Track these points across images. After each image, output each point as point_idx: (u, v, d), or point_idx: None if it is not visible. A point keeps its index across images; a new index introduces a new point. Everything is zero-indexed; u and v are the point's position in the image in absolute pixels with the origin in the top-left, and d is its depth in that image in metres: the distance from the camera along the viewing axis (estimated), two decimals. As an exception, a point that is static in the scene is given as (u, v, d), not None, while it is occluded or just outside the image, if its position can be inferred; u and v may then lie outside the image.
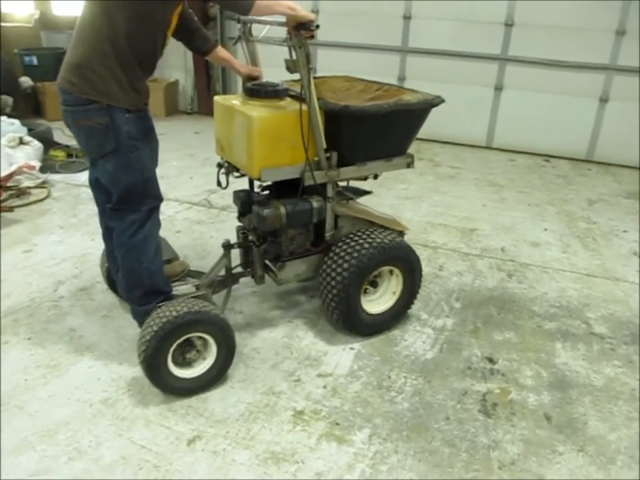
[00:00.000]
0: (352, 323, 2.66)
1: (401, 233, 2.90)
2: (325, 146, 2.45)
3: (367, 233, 2.63)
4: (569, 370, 2.63)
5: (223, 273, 2.74)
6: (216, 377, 2.33)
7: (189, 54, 6.92)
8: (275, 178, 2.48)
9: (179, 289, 2.57)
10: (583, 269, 3.62)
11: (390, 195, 4.65)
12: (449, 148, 6.20)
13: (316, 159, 2.47)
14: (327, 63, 6.36)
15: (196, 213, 4.14)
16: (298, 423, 2.20)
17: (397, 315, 2.82)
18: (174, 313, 2.15)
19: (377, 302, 2.76)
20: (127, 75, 2.13)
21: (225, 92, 7.05)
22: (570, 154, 6.07)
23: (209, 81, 7.12)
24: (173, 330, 2.15)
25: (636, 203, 5.00)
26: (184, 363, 2.28)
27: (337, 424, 2.21)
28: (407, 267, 2.72)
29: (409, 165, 2.78)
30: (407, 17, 6.16)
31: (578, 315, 3.09)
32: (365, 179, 2.80)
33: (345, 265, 2.52)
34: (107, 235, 2.52)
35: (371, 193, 3.19)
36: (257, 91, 2.46)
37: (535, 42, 5.83)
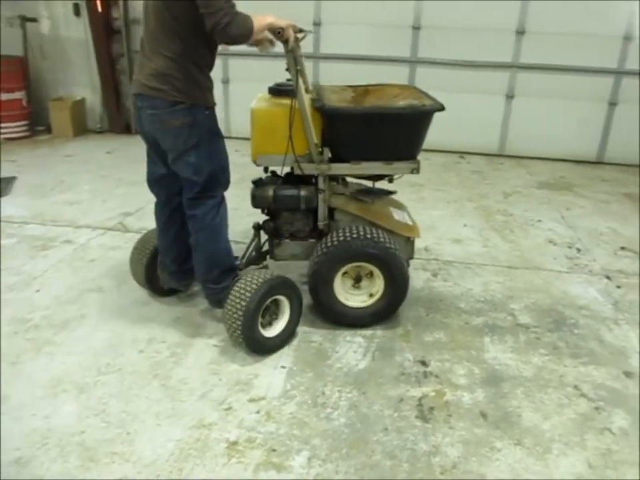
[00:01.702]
0: (324, 309, 2.85)
1: (409, 239, 2.99)
2: (315, 141, 2.69)
3: (354, 229, 2.74)
4: (499, 364, 2.66)
5: (254, 253, 3.05)
6: (292, 331, 2.74)
7: (94, 70, 6.63)
8: (269, 164, 2.85)
9: None
10: (505, 261, 3.71)
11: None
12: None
13: (307, 152, 2.73)
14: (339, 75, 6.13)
15: (111, 239, 3.92)
16: (233, 455, 2.08)
17: (379, 315, 2.87)
18: (260, 280, 2.51)
19: (358, 297, 2.87)
20: (201, 76, 2.43)
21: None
22: (483, 149, 6.27)
23: (118, 98, 6.83)
24: (265, 294, 2.51)
25: (548, 192, 5.22)
26: (267, 325, 2.63)
27: (274, 450, 2.11)
28: (386, 271, 2.75)
29: (413, 171, 2.84)
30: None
31: (503, 307, 3.15)
32: (372, 179, 3.00)
33: (321, 253, 2.72)
34: (166, 227, 2.79)
35: (394, 192, 3.23)
36: (272, 89, 2.83)
37: (442, 43, 6.00)
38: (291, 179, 2.90)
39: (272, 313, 2.66)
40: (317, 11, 6.13)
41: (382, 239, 2.72)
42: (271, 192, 2.83)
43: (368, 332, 2.86)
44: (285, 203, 2.85)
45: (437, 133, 6.13)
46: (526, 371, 2.62)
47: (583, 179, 5.70)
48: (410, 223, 3.08)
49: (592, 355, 2.76)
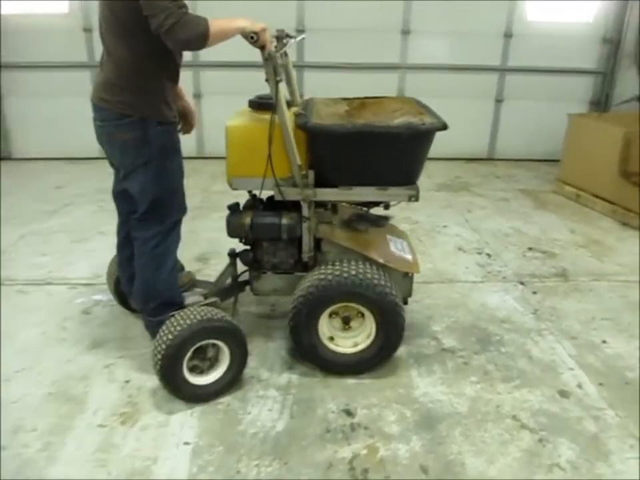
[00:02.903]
0: (306, 354, 2.53)
1: (407, 274, 2.63)
2: (299, 162, 2.36)
3: (343, 264, 2.40)
4: (431, 401, 2.39)
5: (229, 281, 2.77)
6: (230, 382, 2.38)
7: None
8: (246, 188, 2.54)
9: (189, 298, 2.61)
10: (419, 276, 3.47)
11: (213, 218, 4.20)
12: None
13: (289, 175, 2.41)
14: (326, 85, 5.61)
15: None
16: None
17: (369, 362, 2.53)
18: (187, 322, 2.21)
19: (346, 341, 2.52)
20: (156, 86, 2.21)
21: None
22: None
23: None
24: (188, 338, 2.21)
25: (447, 194, 5.12)
26: (198, 371, 2.32)
27: None
28: (378, 313, 2.41)
29: (412, 198, 2.47)
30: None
31: (425, 330, 2.90)
32: (367, 205, 2.74)
33: (304, 292, 2.39)
34: (123, 245, 2.60)
35: (391, 218, 2.94)
36: (252, 102, 2.53)
37: (327, 46, 5.76)
38: (273, 204, 2.55)
39: (209, 359, 2.34)
40: (299, 16, 5.68)
41: (374, 276, 2.37)
42: (247, 219, 2.50)
43: (282, 381, 2.48)
44: (263, 233, 2.53)
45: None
46: (460, 405, 2.37)
47: (478, 177, 5.69)
48: (409, 256, 2.73)
49: (523, 376, 2.57)
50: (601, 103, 6.01)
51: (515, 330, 2.93)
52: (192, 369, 2.30)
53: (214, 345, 2.32)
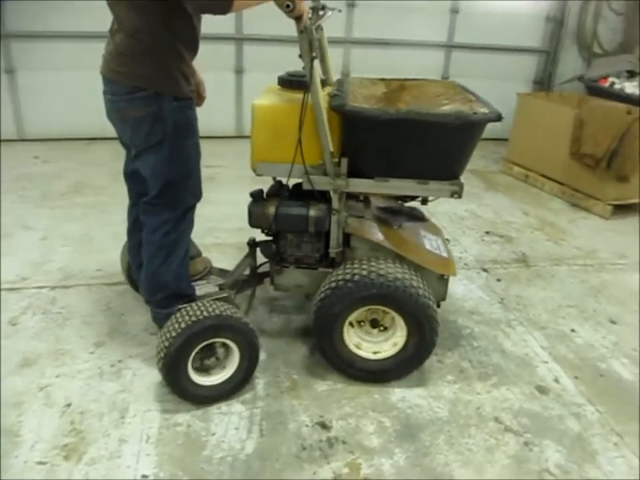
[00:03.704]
0: (330, 357, 2.32)
1: (442, 277, 2.40)
2: (331, 149, 2.15)
3: (372, 263, 2.19)
4: (409, 407, 2.23)
5: (247, 272, 2.62)
6: (238, 385, 2.21)
7: None
8: (272, 174, 2.34)
9: (202, 288, 2.45)
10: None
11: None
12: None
13: (320, 162, 2.19)
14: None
15: None
16: None
17: (399, 370, 2.33)
18: (193, 318, 2.04)
19: (373, 346, 2.32)
20: (172, 58, 2.00)
21: None
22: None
23: None
24: (193, 336, 2.03)
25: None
26: (205, 370, 2.16)
27: None
28: (409, 318, 2.21)
29: (454, 194, 2.25)
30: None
31: (393, 327, 2.73)
32: (402, 198, 2.54)
33: (328, 290, 2.19)
34: (133, 229, 2.42)
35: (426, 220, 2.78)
36: (282, 80, 2.31)
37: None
38: (300, 193, 2.33)
39: (219, 357, 2.18)
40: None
41: (407, 278, 2.16)
42: (272, 209, 2.31)
43: (247, 395, 2.24)
44: (288, 224, 2.34)
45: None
46: (440, 409, 2.22)
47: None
48: (445, 255, 2.52)
49: (500, 373, 2.46)
50: (544, 82, 6.02)
51: (484, 322, 2.82)
52: (199, 369, 2.14)
53: (223, 343, 2.14)
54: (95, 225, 3.65)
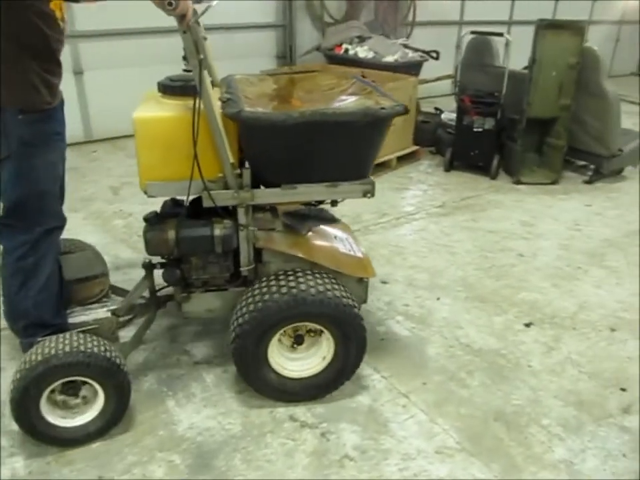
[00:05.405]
0: (255, 384, 2.16)
1: (361, 280, 2.30)
2: (231, 159, 1.97)
3: (289, 277, 2.04)
4: (199, 433, 2.05)
5: (146, 294, 2.37)
6: (100, 430, 1.98)
7: None
8: (166, 194, 2.13)
9: (91, 314, 2.22)
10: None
11: None
12: None
13: (220, 175, 2.00)
14: None
15: None
16: None
17: (327, 385, 2.19)
18: (46, 355, 1.84)
19: (300, 363, 2.17)
20: (13, 65, 1.79)
21: None
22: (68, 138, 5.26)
23: None
24: (43, 374, 1.83)
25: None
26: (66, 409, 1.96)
27: None
28: (336, 328, 2.07)
29: (367, 194, 2.12)
30: None
31: (169, 346, 2.50)
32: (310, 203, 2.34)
33: (243, 317, 2.01)
34: None
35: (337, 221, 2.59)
36: (164, 86, 2.08)
37: None
38: (199, 210, 2.09)
39: (85, 396, 1.97)
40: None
41: (328, 288, 2.02)
42: (171, 233, 2.07)
43: (5, 473, 1.85)
44: (193, 248, 2.12)
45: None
46: (233, 425, 2.08)
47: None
48: (359, 254, 2.39)
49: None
50: (286, 56, 6.12)
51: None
52: (59, 405, 1.95)
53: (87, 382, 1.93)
54: None
